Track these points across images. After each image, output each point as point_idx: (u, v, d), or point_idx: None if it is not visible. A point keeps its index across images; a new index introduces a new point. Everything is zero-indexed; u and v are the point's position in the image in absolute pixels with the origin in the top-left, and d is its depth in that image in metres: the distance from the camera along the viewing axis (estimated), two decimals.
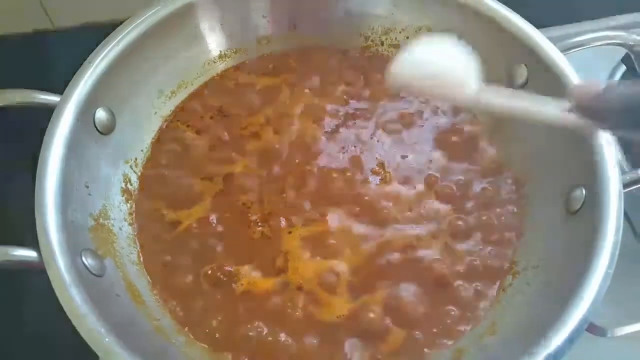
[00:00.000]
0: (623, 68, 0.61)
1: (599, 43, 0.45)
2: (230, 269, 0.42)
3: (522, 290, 0.41)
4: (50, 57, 0.67)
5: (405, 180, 0.47)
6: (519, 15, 0.47)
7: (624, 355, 0.47)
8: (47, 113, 0.41)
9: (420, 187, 0.46)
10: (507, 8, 0.47)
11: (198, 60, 0.51)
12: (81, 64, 0.44)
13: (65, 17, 0.67)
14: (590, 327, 0.35)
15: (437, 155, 0.48)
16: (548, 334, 0.34)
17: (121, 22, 0.46)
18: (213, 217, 0.45)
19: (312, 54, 0.54)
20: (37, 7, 0.65)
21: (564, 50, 0.45)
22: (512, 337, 0.38)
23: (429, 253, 0.43)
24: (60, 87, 0.43)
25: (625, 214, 0.38)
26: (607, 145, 0.39)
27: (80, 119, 0.41)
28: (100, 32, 0.63)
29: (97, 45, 0.45)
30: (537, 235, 0.43)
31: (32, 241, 0.36)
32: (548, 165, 0.45)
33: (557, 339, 0.33)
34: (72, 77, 0.43)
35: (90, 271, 0.37)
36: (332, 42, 0.54)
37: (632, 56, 0.45)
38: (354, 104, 0.51)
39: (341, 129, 0.50)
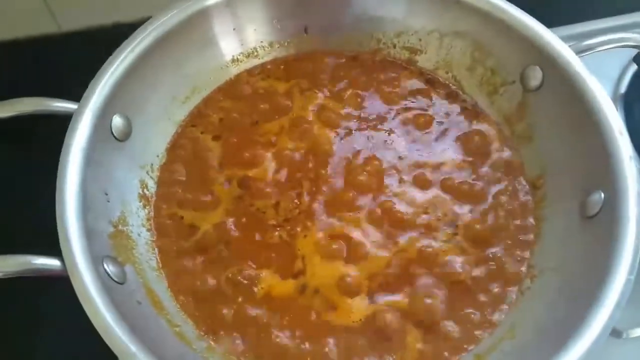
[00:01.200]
0: (634, 67, 0.61)
1: (612, 45, 0.45)
2: (251, 272, 0.42)
3: (541, 294, 0.41)
4: (58, 60, 0.67)
5: (421, 184, 0.47)
6: (531, 17, 0.47)
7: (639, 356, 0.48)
8: (59, 118, 0.42)
9: (436, 190, 0.46)
10: (520, 10, 0.47)
11: (211, 65, 0.52)
12: (89, 67, 0.44)
13: (71, 20, 0.67)
14: None
15: (453, 157, 0.48)
16: (568, 342, 0.34)
17: (127, 25, 0.46)
18: (230, 222, 0.45)
19: (324, 57, 0.54)
20: (44, 11, 0.65)
21: (577, 52, 0.45)
22: (531, 342, 0.38)
23: (446, 257, 0.43)
24: (69, 90, 0.43)
25: None
26: (627, 151, 0.40)
27: (97, 126, 0.42)
28: (106, 36, 0.64)
29: (104, 49, 0.45)
30: (555, 239, 0.43)
31: (51, 249, 0.37)
32: (564, 167, 0.45)
33: (578, 348, 0.34)
34: (81, 79, 0.43)
35: (112, 278, 0.38)
36: (344, 46, 0.54)
37: None
38: (367, 107, 0.51)
39: (355, 133, 0.50)
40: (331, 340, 0.40)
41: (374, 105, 0.51)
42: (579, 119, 0.43)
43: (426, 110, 0.51)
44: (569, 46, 0.45)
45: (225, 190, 0.47)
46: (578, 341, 0.34)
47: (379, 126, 0.50)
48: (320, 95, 0.52)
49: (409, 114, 0.51)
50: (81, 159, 0.40)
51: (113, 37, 0.46)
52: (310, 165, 0.48)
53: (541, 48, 0.45)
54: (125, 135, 0.45)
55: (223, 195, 0.46)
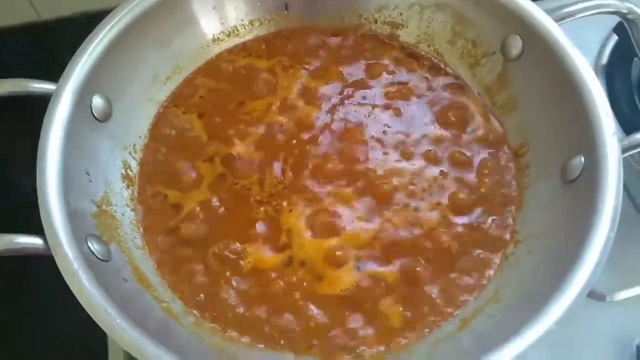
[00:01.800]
0: (615, 38, 0.62)
1: (591, 12, 0.45)
2: (237, 247, 0.42)
3: (525, 258, 0.41)
4: (39, 48, 0.67)
5: (405, 156, 0.47)
6: None
7: (623, 319, 0.48)
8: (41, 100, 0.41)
9: (420, 161, 0.47)
10: None
11: (192, 44, 0.51)
12: (71, 54, 0.43)
13: (51, 8, 0.66)
14: (589, 293, 0.36)
15: (435, 129, 0.48)
16: (551, 299, 0.34)
17: (107, 12, 0.45)
18: (215, 200, 0.45)
19: (306, 34, 0.54)
20: (23, 0, 0.64)
21: (557, 20, 0.45)
22: (516, 304, 0.38)
23: (432, 226, 0.44)
24: (53, 77, 0.43)
25: (624, 185, 0.38)
26: (605, 113, 0.40)
27: (77, 107, 0.41)
28: (88, 22, 0.63)
29: (85, 36, 0.44)
30: (538, 204, 0.43)
31: (35, 228, 0.37)
32: (546, 134, 0.45)
33: (560, 304, 0.34)
34: (62, 66, 0.43)
35: (96, 256, 0.38)
36: (325, 22, 0.54)
37: (626, 24, 0.45)
38: (350, 82, 0.51)
39: (339, 108, 0.50)
40: (316, 309, 0.41)
41: (357, 80, 0.51)
42: (560, 86, 0.43)
43: (408, 83, 0.51)
44: (548, 13, 0.45)
45: (209, 168, 0.46)
46: (559, 299, 0.34)
47: (362, 101, 0.50)
48: (303, 72, 0.52)
49: (392, 88, 0.51)
50: (61, 139, 0.40)
51: (94, 24, 0.46)
52: (294, 141, 0.48)
53: (520, 17, 0.45)
54: (106, 115, 0.45)
55: (207, 173, 0.46)
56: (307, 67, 0.52)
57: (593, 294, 0.46)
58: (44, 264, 0.35)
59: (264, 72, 0.52)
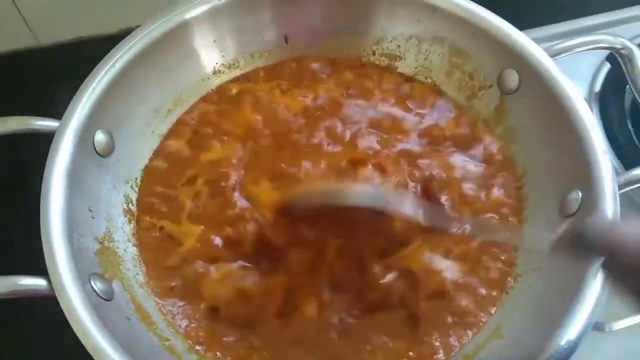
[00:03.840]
0: (608, 66, 0.63)
1: (586, 47, 0.46)
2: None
3: (525, 292, 0.42)
4: (38, 74, 0.67)
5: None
6: (506, 22, 0.48)
7: (623, 348, 0.49)
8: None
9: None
10: (495, 15, 0.48)
11: (192, 77, 0.52)
12: (70, 81, 0.44)
13: (50, 34, 0.67)
14: None
15: (430, 158, 0.49)
16: (553, 337, 0.35)
17: (107, 37, 0.46)
18: (215, 238, 0.45)
19: (305, 61, 0.54)
20: (21, 25, 0.64)
21: (553, 55, 0.46)
22: (519, 340, 0.39)
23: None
24: (51, 104, 0.43)
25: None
26: (601, 148, 0.41)
27: (79, 144, 0.41)
28: (86, 48, 0.63)
29: (84, 62, 0.45)
30: (537, 239, 0.44)
31: (37, 268, 0.37)
32: (543, 168, 0.46)
33: (563, 341, 0.35)
34: (64, 94, 0.43)
35: (99, 295, 0.38)
36: (324, 54, 0.54)
37: (620, 59, 0.46)
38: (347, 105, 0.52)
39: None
40: None
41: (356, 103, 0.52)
42: (555, 120, 0.44)
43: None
44: (544, 48, 0.46)
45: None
46: (563, 336, 0.34)
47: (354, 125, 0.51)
48: (300, 98, 0.52)
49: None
50: (64, 178, 0.40)
51: (92, 49, 0.46)
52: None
53: (516, 52, 0.46)
54: (108, 151, 0.45)
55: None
56: (304, 88, 0.53)
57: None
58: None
59: (262, 99, 0.52)
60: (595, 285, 0.36)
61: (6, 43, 0.66)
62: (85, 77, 0.44)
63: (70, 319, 0.34)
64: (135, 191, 0.47)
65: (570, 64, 0.46)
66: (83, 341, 0.33)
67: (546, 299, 0.40)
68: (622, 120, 0.60)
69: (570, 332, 0.35)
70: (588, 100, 0.61)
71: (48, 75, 0.66)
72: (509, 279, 0.43)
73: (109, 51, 0.45)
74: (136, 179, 0.47)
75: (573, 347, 0.35)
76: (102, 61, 0.45)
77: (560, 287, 0.39)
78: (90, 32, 0.66)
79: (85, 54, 0.46)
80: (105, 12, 0.64)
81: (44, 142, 0.41)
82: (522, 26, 0.48)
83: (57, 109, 0.43)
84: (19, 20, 0.63)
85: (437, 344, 0.41)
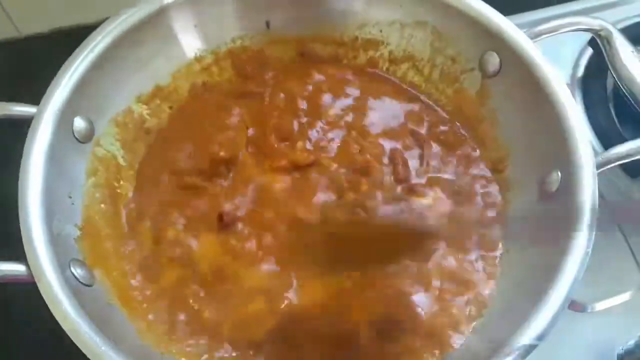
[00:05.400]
0: (590, 51, 0.63)
1: (566, 29, 0.47)
2: None
3: (508, 272, 0.42)
4: (19, 65, 0.66)
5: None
6: (487, 5, 0.48)
7: (603, 328, 0.49)
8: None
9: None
10: None
11: (173, 63, 0.51)
12: (52, 71, 0.43)
13: (31, 24, 0.66)
14: (570, 304, 0.36)
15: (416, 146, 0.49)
16: (531, 316, 0.35)
17: (89, 27, 0.45)
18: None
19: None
20: (2, 16, 0.64)
21: (532, 37, 0.46)
22: (498, 318, 0.39)
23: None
24: (35, 95, 0.42)
25: (602, 196, 0.39)
26: (579, 127, 0.41)
27: (59, 129, 0.41)
28: (67, 38, 0.63)
29: (66, 52, 0.44)
30: (518, 217, 0.44)
31: (16, 253, 0.36)
32: (524, 149, 0.46)
33: (541, 320, 0.35)
34: (44, 86, 0.42)
35: (79, 281, 0.37)
36: (306, 39, 0.54)
37: (598, 41, 0.47)
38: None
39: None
40: None
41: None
42: (535, 103, 0.44)
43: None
44: (524, 32, 0.46)
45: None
46: (540, 314, 0.35)
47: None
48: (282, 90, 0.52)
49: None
50: (43, 163, 0.39)
51: (74, 39, 0.46)
52: None
53: (496, 34, 0.46)
54: (88, 137, 0.45)
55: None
56: (287, 82, 0.52)
57: (574, 305, 0.47)
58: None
59: (244, 89, 0.52)
60: (574, 261, 0.36)
61: None
62: None
63: (49, 304, 0.34)
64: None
65: (552, 49, 0.46)
66: (63, 325, 0.33)
67: (527, 278, 0.40)
68: (604, 104, 0.60)
69: (546, 312, 0.35)
70: (570, 85, 0.61)
71: (30, 65, 0.65)
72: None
73: None
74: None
75: (550, 327, 0.35)
76: (80, 46, 0.44)
77: (540, 267, 0.39)
78: (71, 22, 0.66)
79: (66, 45, 0.46)
80: (86, 3, 0.63)
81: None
82: (506, 12, 0.48)
83: (38, 100, 0.42)
84: (0, 11, 0.63)
85: None
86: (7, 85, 0.61)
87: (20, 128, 0.41)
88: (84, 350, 0.33)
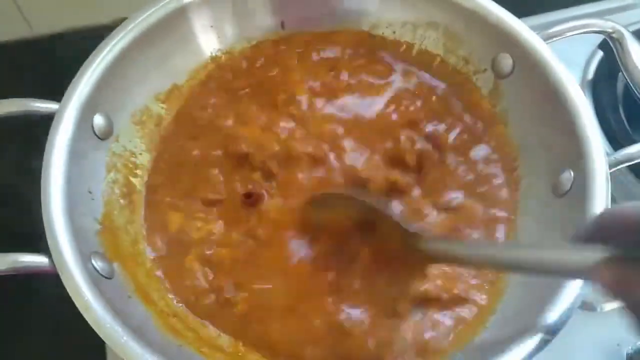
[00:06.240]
0: (600, 54, 0.64)
1: (578, 31, 0.47)
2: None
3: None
4: (35, 64, 0.67)
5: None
6: (500, 6, 0.48)
7: (613, 328, 0.50)
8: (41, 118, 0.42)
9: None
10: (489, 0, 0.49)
11: (190, 62, 0.52)
12: (67, 69, 0.44)
13: (45, 23, 0.67)
14: (580, 304, 0.37)
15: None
16: (544, 313, 0.36)
17: (101, 27, 0.46)
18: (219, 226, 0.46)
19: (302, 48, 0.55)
20: (17, 15, 0.65)
21: (545, 39, 0.47)
22: (512, 315, 0.39)
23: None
24: (47, 92, 0.43)
25: (613, 198, 0.40)
26: (591, 129, 0.41)
27: (79, 125, 0.42)
28: (81, 38, 0.63)
29: (80, 51, 0.45)
30: (530, 217, 0.45)
31: (38, 246, 0.37)
32: (536, 149, 0.46)
33: (552, 317, 0.36)
34: (63, 82, 0.43)
35: (100, 274, 0.38)
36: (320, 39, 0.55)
37: (611, 43, 0.47)
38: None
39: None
40: None
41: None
42: (548, 103, 0.45)
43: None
44: (537, 33, 0.47)
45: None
46: (552, 312, 0.35)
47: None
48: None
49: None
50: (65, 158, 0.40)
51: (88, 39, 0.46)
52: None
53: (510, 36, 0.47)
54: (107, 134, 0.45)
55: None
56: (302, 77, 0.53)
57: (584, 305, 0.47)
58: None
59: (259, 88, 0.53)
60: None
61: (1, 34, 0.66)
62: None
63: (72, 295, 0.35)
64: (135, 175, 0.47)
65: (564, 52, 0.47)
66: (85, 315, 0.34)
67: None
68: (615, 106, 0.61)
69: (558, 310, 0.36)
70: (581, 88, 0.61)
71: (45, 64, 0.66)
72: None
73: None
74: (135, 163, 0.48)
75: (560, 325, 0.35)
76: (100, 45, 0.45)
77: None
78: (85, 22, 0.66)
79: (80, 44, 0.46)
80: (100, 2, 0.64)
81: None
82: (518, 14, 0.48)
83: (55, 96, 0.43)
84: (14, 10, 0.63)
85: None
86: (23, 83, 0.62)
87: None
88: (106, 341, 0.34)
